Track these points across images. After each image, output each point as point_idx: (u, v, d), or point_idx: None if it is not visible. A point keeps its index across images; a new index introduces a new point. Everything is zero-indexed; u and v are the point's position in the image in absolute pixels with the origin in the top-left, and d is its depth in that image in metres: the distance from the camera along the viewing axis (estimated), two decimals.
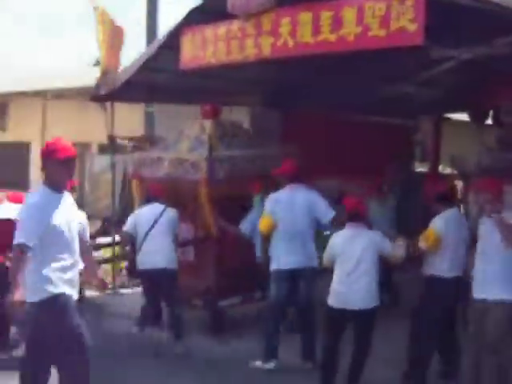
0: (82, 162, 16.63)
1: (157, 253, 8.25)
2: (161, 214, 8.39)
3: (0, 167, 19.26)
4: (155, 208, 8.47)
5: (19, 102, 18.62)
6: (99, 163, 14.56)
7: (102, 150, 14.97)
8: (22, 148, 18.65)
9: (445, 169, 15.18)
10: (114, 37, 10.17)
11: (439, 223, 6.95)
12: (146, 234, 8.31)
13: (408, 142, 14.50)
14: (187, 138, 9.54)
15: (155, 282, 8.34)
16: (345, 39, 6.79)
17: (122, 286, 11.39)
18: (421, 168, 15.98)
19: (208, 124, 9.52)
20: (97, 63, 23.78)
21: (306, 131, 11.26)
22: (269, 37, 7.46)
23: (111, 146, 11.07)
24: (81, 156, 17.20)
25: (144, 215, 8.50)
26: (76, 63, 20.05)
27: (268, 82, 11.07)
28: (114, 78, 9.94)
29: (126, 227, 8.58)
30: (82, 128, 16.49)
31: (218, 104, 10.07)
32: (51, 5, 70.82)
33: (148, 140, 10.63)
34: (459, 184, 11.46)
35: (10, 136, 19.05)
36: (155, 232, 8.31)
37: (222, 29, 7.99)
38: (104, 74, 10.01)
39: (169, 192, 8.95)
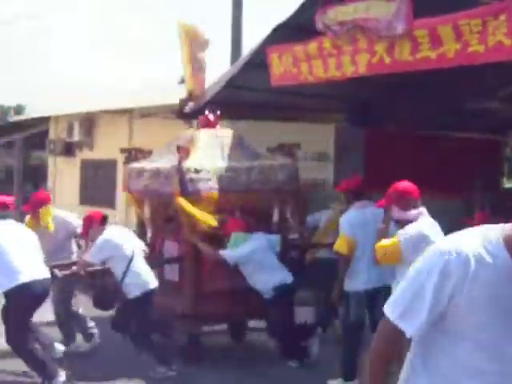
0: None
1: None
2: None
3: (88, 185, 19.64)
4: None
5: (106, 120, 18.96)
6: None
7: None
8: (110, 166, 18.97)
9: None
10: (198, 52, 10.22)
11: None
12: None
13: (496, 157, 14.21)
14: (173, 148, 8.90)
15: None
16: (445, 56, 6.77)
17: None
18: (509, 184, 15.65)
19: (198, 134, 9.02)
20: (182, 81, 23.98)
21: (390, 148, 11.17)
22: (365, 54, 7.48)
23: None
24: None
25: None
26: (163, 81, 20.34)
27: (352, 99, 11.04)
28: (200, 95, 10.03)
29: None
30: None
31: (303, 121, 10.03)
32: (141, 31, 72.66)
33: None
34: None
35: (97, 154, 19.40)
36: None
37: (311, 46, 7.99)
38: (190, 91, 10.10)
39: (151, 205, 8.78)
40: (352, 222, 7.69)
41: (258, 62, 8.79)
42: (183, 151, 8.57)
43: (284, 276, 8.47)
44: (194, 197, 8.42)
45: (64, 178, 20.19)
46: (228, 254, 8.42)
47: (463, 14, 6.55)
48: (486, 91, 10.62)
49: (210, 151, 8.81)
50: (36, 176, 22.05)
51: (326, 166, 12.75)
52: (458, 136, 12.51)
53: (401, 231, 6.52)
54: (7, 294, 7.34)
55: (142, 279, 8.09)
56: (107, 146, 19.13)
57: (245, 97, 10.28)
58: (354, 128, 11.62)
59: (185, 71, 10.14)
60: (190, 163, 8.52)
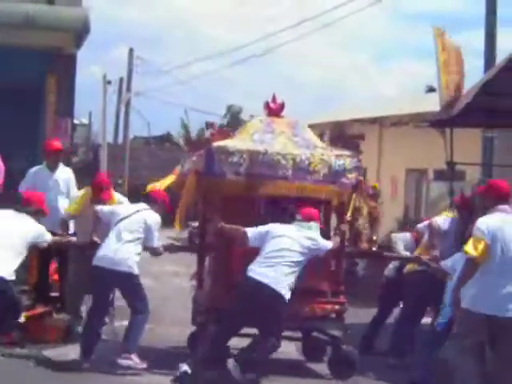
0: (419, 188, 16.80)
1: None
2: None
3: None
4: None
5: (356, 129, 19.16)
6: (436, 190, 14.59)
7: (439, 176, 14.97)
8: None
9: None
10: (455, 60, 10.09)
11: None
12: None
13: None
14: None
15: None
16: None
17: None
18: None
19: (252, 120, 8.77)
20: (429, 90, 23.72)
21: None
22: None
23: (449, 173, 10.99)
24: (416, 182, 17.41)
25: None
26: (410, 91, 20.32)
27: None
28: (455, 103, 9.86)
29: None
30: (416, 154, 16.60)
31: None
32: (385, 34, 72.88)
33: None
34: None
35: None
36: None
37: None
38: (446, 99, 9.96)
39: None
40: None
41: None
42: (214, 128, 8.36)
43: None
44: (219, 179, 7.90)
45: None
46: (248, 230, 7.57)
47: None
48: None
49: (258, 136, 8.19)
50: None
51: None
52: None
53: None
54: None
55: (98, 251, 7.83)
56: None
57: (501, 104, 9.93)
58: None
59: (439, 79, 10.04)
60: (224, 144, 7.99)
